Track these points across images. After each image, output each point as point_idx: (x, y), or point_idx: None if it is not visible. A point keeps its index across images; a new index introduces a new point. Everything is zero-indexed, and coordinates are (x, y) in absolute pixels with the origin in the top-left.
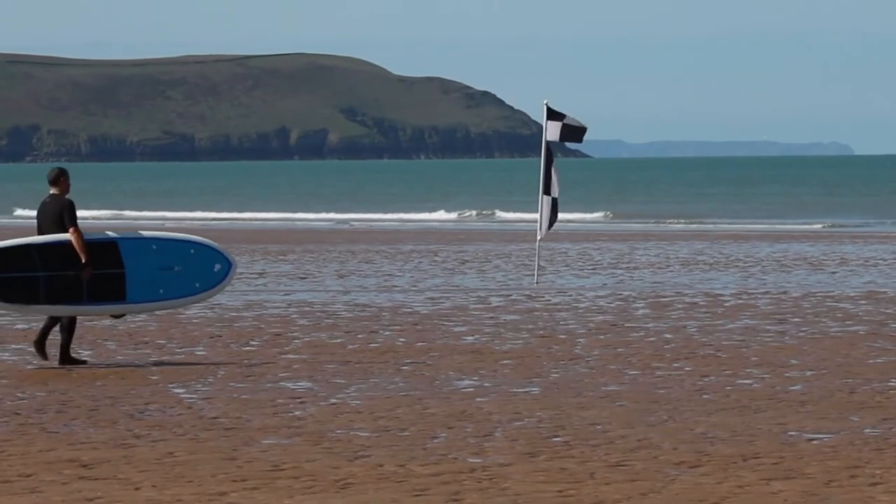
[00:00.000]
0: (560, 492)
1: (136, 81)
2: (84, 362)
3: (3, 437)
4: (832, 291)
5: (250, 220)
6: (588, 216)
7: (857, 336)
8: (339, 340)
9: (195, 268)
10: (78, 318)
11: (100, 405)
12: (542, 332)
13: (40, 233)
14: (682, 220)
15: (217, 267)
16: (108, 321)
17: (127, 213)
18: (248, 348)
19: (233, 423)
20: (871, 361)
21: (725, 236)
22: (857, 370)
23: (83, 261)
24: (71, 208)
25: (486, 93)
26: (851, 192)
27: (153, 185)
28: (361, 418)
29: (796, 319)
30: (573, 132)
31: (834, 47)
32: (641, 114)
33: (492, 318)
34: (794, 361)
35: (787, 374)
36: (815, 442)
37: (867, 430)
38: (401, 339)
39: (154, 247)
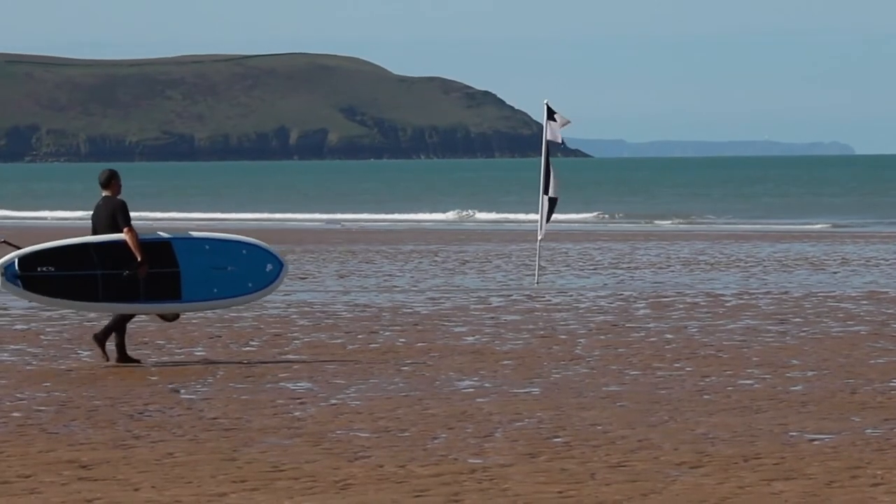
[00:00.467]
0: (560, 492)
1: (135, 81)
2: (138, 361)
3: (3, 437)
4: (833, 291)
5: (237, 220)
6: (580, 216)
7: (858, 336)
8: (339, 341)
9: (247, 268)
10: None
11: (99, 406)
12: (542, 332)
13: (95, 234)
14: (678, 220)
15: (269, 267)
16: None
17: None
18: (247, 349)
19: (232, 424)
20: (872, 362)
21: (726, 236)
22: (858, 370)
23: (139, 259)
24: (124, 209)
25: (486, 93)
26: (853, 192)
27: (146, 185)
28: (361, 419)
29: (797, 320)
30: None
31: (834, 47)
32: (642, 113)
33: (492, 318)
34: (795, 362)
35: (788, 375)
36: (816, 442)
37: (869, 431)
38: (401, 340)
39: (207, 247)
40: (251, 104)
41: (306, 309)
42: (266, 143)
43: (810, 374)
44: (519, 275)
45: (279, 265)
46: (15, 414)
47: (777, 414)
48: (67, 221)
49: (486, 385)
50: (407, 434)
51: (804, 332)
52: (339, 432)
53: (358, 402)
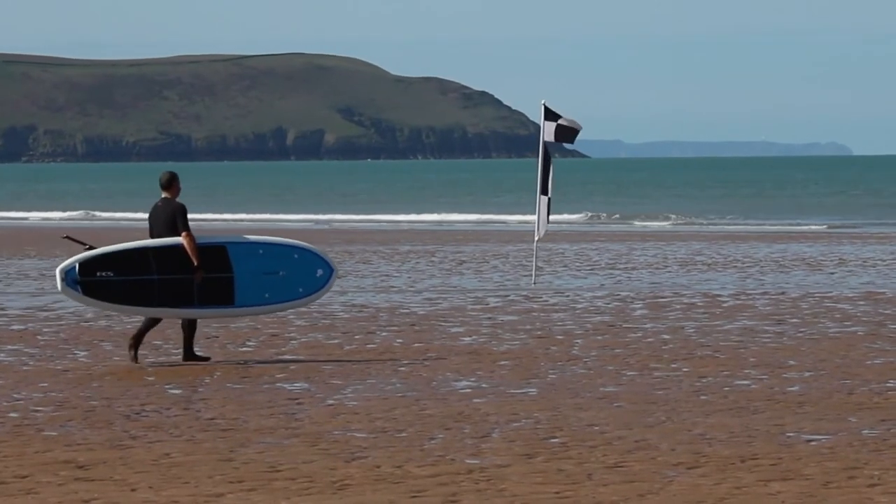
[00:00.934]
0: (557, 493)
1: (133, 82)
2: (207, 359)
3: (0, 438)
4: (830, 292)
5: (231, 221)
6: (570, 217)
7: (855, 337)
8: (336, 341)
9: (298, 273)
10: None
11: (96, 406)
12: (539, 332)
13: (152, 236)
14: (671, 221)
15: (319, 272)
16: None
17: (98, 213)
18: (244, 349)
19: (229, 424)
20: (869, 362)
21: (723, 237)
22: (855, 371)
23: (195, 264)
24: (183, 212)
25: (483, 93)
26: (850, 193)
27: (140, 185)
28: (358, 419)
29: (794, 320)
30: (566, 133)
31: (832, 48)
32: (640, 114)
33: (489, 318)
34: (792, 362)
35: (785, 375)
36: (813, 443)
37: (865, 432)
38: (398, 340)
39: (260, 251)
40: (248, 104)
41: (303, 309)
42: (263, 144)
43: (807, 374)
44: (516, 275)
45: (329, 270)
46: (12, 414)
47: (774, 414)
48: (52, 222)
49: (484, 385)
50: (404, 434)
51: (801, 332)
52: (336, 433)
53: (355, 403)
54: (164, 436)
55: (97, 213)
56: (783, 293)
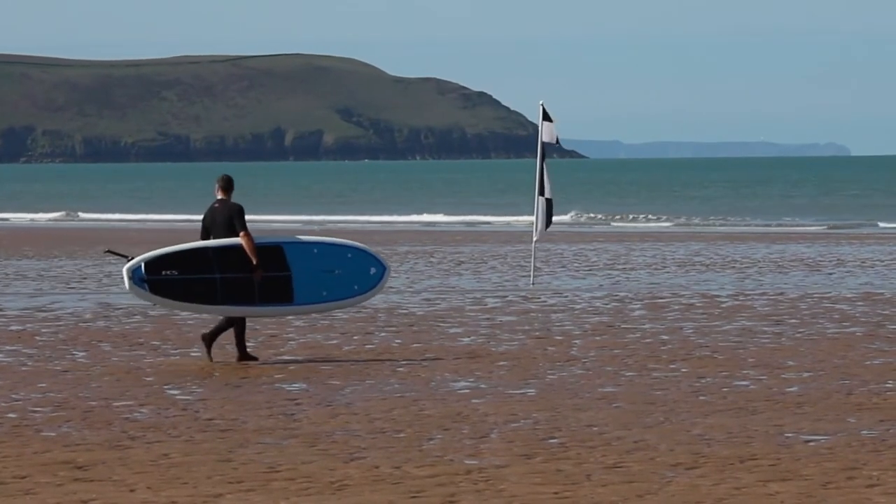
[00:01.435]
0: (556, 493)
1: (131, 82)
2: (256, 359)
3: None
4: (829, 293)
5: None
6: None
7: (854, 337)
8: (334, 342)
9: (353, 271)
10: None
11: (94, 407)
12: (538, 333)
13: (206, 236)
14: (672, 222)
15: (372, 270)
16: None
17: (82, 214)
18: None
19: (228, 425)
20: (868, 363)
21: (722, 237)
22: (854, 371)
23: (254, 263)
24: (241, 212)
25: (482, 93)
26: (849, 194)
27: (131, 186)
28: (357, 420)
29: (793, 321)
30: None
31: (832, 48)
32: (638, 114)
33: (488, 319)
34: (790, 363)
35: (783, 376)
36: (812, 443)
37: (864, 432)
38: (397, 341)
39: (315, 250)
40: (247, 105)
41: None
42: (262, 144)
43: (806, 375)
44: (514, 276)
45: (382, 268)
46: (10, 415)
47: (773, 415)
48: (34, 224)
49: (482, 386)
50: (403, 435)
51: (800, 333)
52: (335, 433)
53: (354, 403)
54: (163, 436)
55: (80, 214)
56: (782, 294)
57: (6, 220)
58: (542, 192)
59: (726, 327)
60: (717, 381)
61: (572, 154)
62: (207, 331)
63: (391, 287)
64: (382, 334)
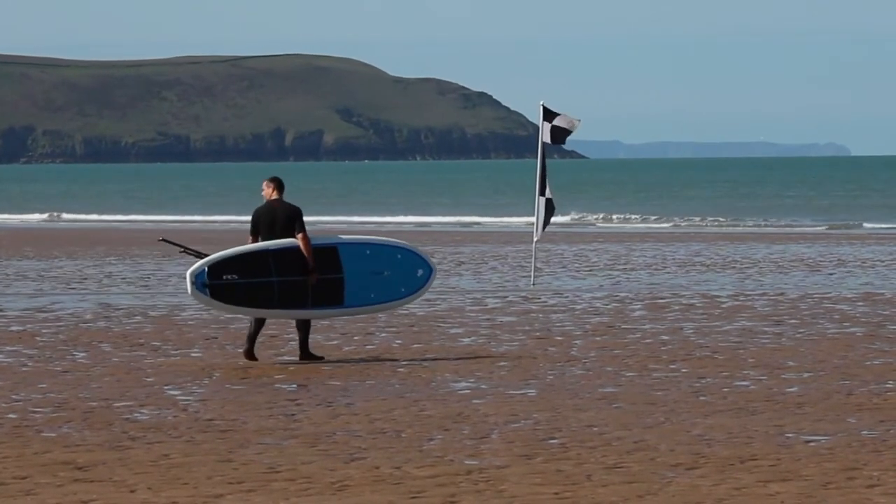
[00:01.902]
0: (556, 494)
1: (131, 82)
2: (321, 358)
3: None
4: (829, 293)
5: (221, 222)
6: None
7: (854, 338)
8: (335, 342)
9: (401, 272)
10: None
11: (95, 407)
12: (538, 333)
13: (256, 233)
14: (671, 223)
15: (420, 272)
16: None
17: (65, 215)
18: (243, 350)
19: (228, 425)
20: (868, 363)
21: (722, 237)
22: (854, 372)
23: (311, 266)
24: (301, 214)
25: (482, 94)
26: (849, 194)
27: (122, 186)
28: (357, 420)
29: (793, 321)
30: (560, 133)
31: (831, 48)
32: (638, 114)
33: (488, 319)
34: (791, 363)
35: (784, 376)
36: (812, 444)
37: (864, 432)
38: (397, 341)
39: (367, 251)
40: (247, 105)
41: None
42: (262, 145)
43: (806, 375)
44: (515, 276)
45: (429, 270)
46: (11, 415)
47: (773, 415)
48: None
49: (483, 386)
50: (403, 435)
51: (800, 333)
52: (335, 433)
53: (354, 404)
54: (164, 437)
55: (63, 215)
56: (782, 294)
57: None
58: (542, 193)
59: (727, 328)
60: (718, 382)
61: (572, 154)
62: (245, 346)
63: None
64: (383, 335)
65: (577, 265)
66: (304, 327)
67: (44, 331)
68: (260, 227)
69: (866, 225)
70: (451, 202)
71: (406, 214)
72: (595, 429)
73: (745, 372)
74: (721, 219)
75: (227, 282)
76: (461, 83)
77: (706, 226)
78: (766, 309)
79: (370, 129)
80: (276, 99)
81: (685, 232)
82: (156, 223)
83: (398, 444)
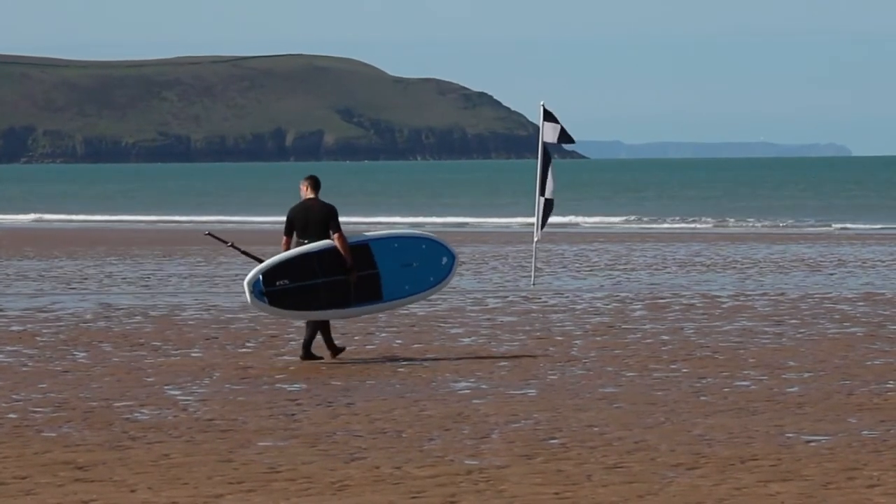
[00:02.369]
0: (557, 494)
1: (132, 82)
2: (321, 358)
3: None
4: (830, 293)
5: (220, 222)
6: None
7: (854, 338)
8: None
9: (428, 262)
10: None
11: (95, 407)
12: (538, 333)
13: (290, 231)
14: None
15: (444, 260)
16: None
17: (47, 216)
18: (244, 350)
19: (229, 425)
20: (868, 363)
21: (722, 237)
22: (854, 372)
23: (350, 264)
24: (336, 214)
25: (482, 94)
26: (850, 194)
27: (112, 186)
28: (358, 420)
29: (794, 321)
30: (564, 134)
31: (832, 48)
32: (639, 115)
33: (488, 319)
34: (791, 363)
35: (784, 376)
36: (812, 444)
37: (865, 432)
38: (397, 341)
39: (395, 245)
40: (247, 105)
41: None
42: (262, 145)
43: (807, 375)
44: (515, 276)
45: (452, 257)
46: (11, 415)
47: (773, 415)
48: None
49: (483, 386)
50: (403, 435)
51: (800, 333)
52: (335, 434)
53: (354, 404)
54: (164, 437)
55: (46, 216)
56: (782, 294)
57: None
58: (542, 193)
59: (727, 328)
60: (718, 382)
61: (573, 154)
62: (302, 352)
63: None
64: (383, 335)
65: (577, 265)
66: (315, 327)
67: (44, 331)
68: (294, 226)
69: (835, 225)
70: (457, 202)
71: (405, 215)
72: (595, 429)
73: (746, 372)
74: (708, 219)
75: (280, 287)
76: (462, 83)
77: (664, 224)
78: (767, 309)
79: (371, 129)
80: (277, 99)
81: (685, 232)
82: (149, 223)
83: (398, 444)
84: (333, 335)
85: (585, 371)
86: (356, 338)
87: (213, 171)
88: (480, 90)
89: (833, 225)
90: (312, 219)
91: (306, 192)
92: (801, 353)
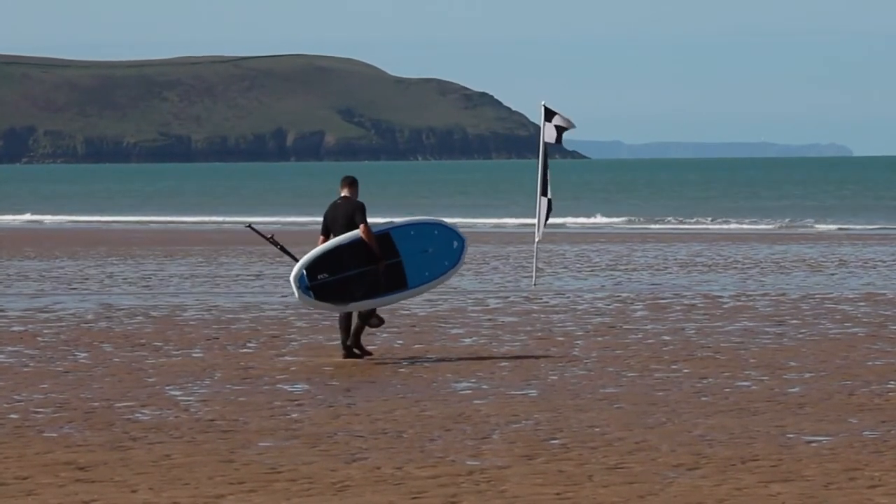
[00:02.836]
0: (558, 494)
1: (133, 83)
2: (370, 354)
3: (0, 439)
4: (831, 293)
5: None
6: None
7: (855, 338)
8: (336, 343)
9: (441, 247)
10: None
11: (96, 407)
12: (539, 334)
13: (327, 233)
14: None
15: (455, 244)
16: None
17: (37, 216)
18: (245, 350)
19: (230, 426)
20: (869, 363)
21: (723, 238)
22: (855, 372)
23: (377, 254)
24: (363, 208)
25: (483, 94)
26: (851, 194)
27: (126, 187)
28: (359, 420)
29: (795, 321)
30: (559, 132)
31: (833, 48)
32: (640, 115)
33: (490, 320)
34: (792, 363)
35: (785, 377)
36: (813, 444)
37: (866, 433)
38: (398, 342)
39: (412, 232)
40: (248, 106)
41: (303, 311)
42: (263, 145)
43: (808, 375)
44: (516, 276)
45: (462, 241)
46: (12, 416)
47: (774, 416)
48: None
49: (484, 387)
50: (404, 436)
51: (802, 333)
52: (336, 434)
53: (355, 404)
54: (165, 437)
55: (37, 217)
56: (784, 294)
57: None
58: (544, 193)
59: (728, 328)
60: (719, 382)
61: (574, 154)
62: (343, 348)
63: None
64: (384, 335)
65: (578, 265)
66: (348, 325)
67: (45, 331)
68: (329, 225)
69: (817, 226)
70: (456, 202)
71: (404, 216)
72: (596, 429)
73: (747, 372)
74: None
75: (322, 281)
76: (462, 83)
77: (704, 225)
78: (768, 309)
79: (371, 129)
80: (278, 99)
81: (685, 232)
82: (143, 223)
83: (399, 445)
84: (333, 337)
85: (586, 371)
86: None
87: (216, 171)
88: (481, 90)
89: (834, 225)
90: (339, 214)
91: (340, 192)
92: (803, 353)
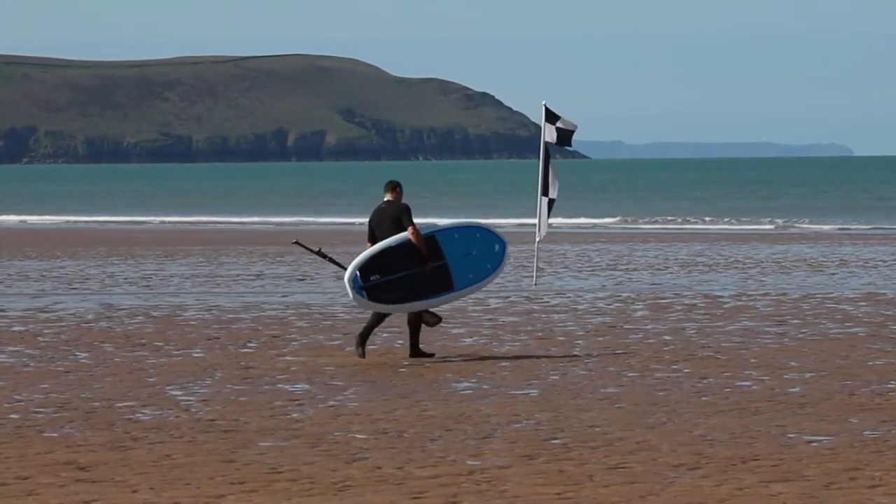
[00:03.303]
0: (558, 494)
1: (133, 83)
2: (432, 355)
3: (1, 439)
4: (831, 293)
5: (218, 222)
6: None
7: (856, 338)
8: (337, 342)
9: (484, 250)
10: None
11: (97, 407)
12: (540, 333)
13: (373, 236)
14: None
15: (496, 247)
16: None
17: (29, 218)
18: (245, 350)
19: (230, 426)
20: (870, 363)
21: (724, 237)
22: (856, 372)
23: (425, 256)
24: (408, 210)
25: (484, 94)
26: (851, 194)
27: (128, 187)
28: (360, 420)
29: (795, 321)
30: (564, 135)
31: (834, 48)
32: (641, 115)
33: (490, 319)
34: (793, 363)
35: (786, 376)
36: (814, 444)
37: (867, 433)
38: (399, 342)
39: (456, 235)
40: (249, 106)
41: (304, 310)
42: (264, 145)
43: (808, 375)
44: (517, 276)
45: (503, 244)
46: (13, 416)
47: (775, 415)
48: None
49: (485, 387)
50: (405, 436)
51: (802, 333)
52: (337, 434)
53: (356, 404)
54: (165, 437)
55: (26, 218)
56: (784, 294)
57: None
58: (545, 193)
59: (729, 328)
60: (720, 382)
61: (574, 154)
62: (358, 335)
63: None
64: (385, 335)
65: (579, 265)
66: (411, 325)
67: (46, 331)
68: (374, 230)
69: (817, 226)
70: (456, 203)
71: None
72: (597, 429)
73: (748, 372)
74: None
75: (374, 282)
76: (463, 83)
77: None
78: (769, 309)
79: (372, 129)
80: (278, 99)
81: (685, 232)
82: (136, 223)
83: (400, 445)
84: (333, 337)
85: (587, 371)
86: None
87: (217, 171)
88: (482, 90)
89: (834, 225)
90: (385, 218)
91: (384, 196)
92: (803, 353)
